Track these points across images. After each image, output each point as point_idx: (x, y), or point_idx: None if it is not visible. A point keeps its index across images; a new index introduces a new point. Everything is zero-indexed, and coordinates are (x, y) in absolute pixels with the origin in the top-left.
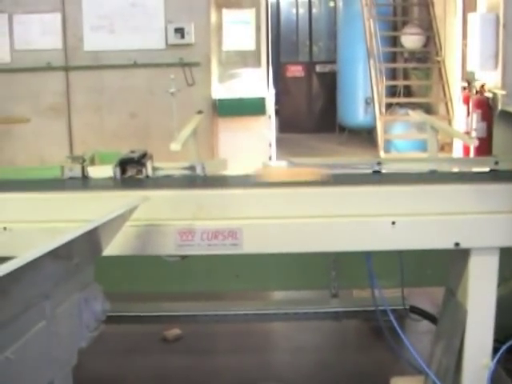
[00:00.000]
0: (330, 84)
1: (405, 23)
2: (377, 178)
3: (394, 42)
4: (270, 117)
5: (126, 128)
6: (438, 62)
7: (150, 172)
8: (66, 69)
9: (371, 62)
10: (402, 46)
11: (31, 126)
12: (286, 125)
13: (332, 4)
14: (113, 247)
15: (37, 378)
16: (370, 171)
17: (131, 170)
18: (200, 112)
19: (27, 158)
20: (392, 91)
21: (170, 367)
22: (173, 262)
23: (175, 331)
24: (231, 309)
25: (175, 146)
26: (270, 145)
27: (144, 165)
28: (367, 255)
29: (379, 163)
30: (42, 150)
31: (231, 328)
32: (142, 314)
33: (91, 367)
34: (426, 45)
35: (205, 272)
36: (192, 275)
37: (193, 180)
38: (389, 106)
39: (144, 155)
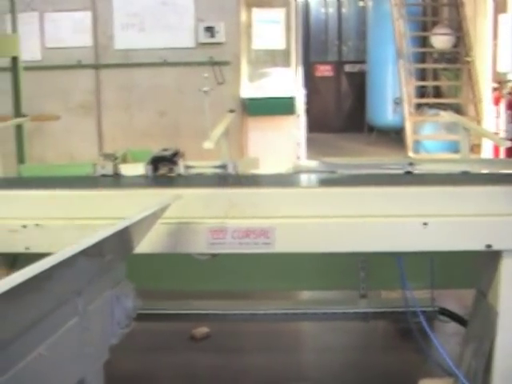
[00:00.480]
0: (359, 84)
1: (434, 23)
2: (409, 178)
3: (424, 42)
4: (298, 116)
5: (155, 126)
6: (468, 62)
7: (181, 170)
8: (97, 67)
9: (401, 62)
10: (431, 46)
11: (61, 124)
12: (315, 124)
13: (361, 4)
14: (144, 245)
15: (69, 373)
16: (401, 172)
17: (163, 168)
18: (232, 111)
19: (57, 155)
20: (421, 92)
21: (198, 365)
22: (203, 260)
23: (203, 329)
24: (260, 308)
25: (208, 144)
26: (299, 144)
27: (176, 163)
28: (398, 256)
29: (411, 164)
30: (72, 148)
31: (259, 327)
32: (170, 312)
33: (119, 364)
34: (455, 45)
35: (234, 271)
36: (221, 274)
37: (225, 178)
38: (418, 106)
39: (176, 153)
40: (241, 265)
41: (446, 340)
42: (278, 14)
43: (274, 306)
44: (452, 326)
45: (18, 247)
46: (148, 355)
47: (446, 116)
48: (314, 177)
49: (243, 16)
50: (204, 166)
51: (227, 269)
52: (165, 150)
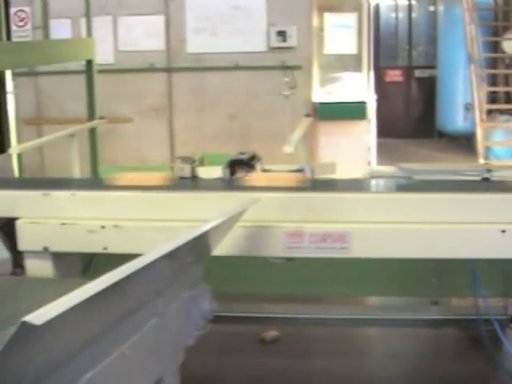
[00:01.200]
0: (429, 89)
1: (506, 28)
2: (487, 185)
3: (495, 47)
4: (370, 121)
5: (227, 130)
6: None
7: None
8: (169, 70)
9: (472, 67)
10: (502, 51)
11: (133, 126)
12: (384, 130)
13: (432, 8)
14: (221, 247)
15: (148, 373)
16: (479, 178)
17: (240, 172)
18: (308, 115)
19: (129, 158)
20: (491, 97)
21: (267, 369)
22: (277, 263)
23: (273, 333)
24: (329, 312)
25: (288, 149)
26: (370, 149)
27: (253, 166)
28: (472, 263)
29: (489, 170)
30: (144, 150)
31: (329, 332)
32: (240, 315)
33: (190, 365)
34: None
35: (306, 275)
36: (293, 277)
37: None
38: (488, 112)
39: (253, 157)
40: (312, 269)
41: None
42: (350, 18)
43: (344, 311)
44: None
45: (96, 247)
46: (216, 357)
47: None
48: (390, 182)
49: (315, 20)
50: (281, 169)
51: (299, 272)
52: (242, 153)
